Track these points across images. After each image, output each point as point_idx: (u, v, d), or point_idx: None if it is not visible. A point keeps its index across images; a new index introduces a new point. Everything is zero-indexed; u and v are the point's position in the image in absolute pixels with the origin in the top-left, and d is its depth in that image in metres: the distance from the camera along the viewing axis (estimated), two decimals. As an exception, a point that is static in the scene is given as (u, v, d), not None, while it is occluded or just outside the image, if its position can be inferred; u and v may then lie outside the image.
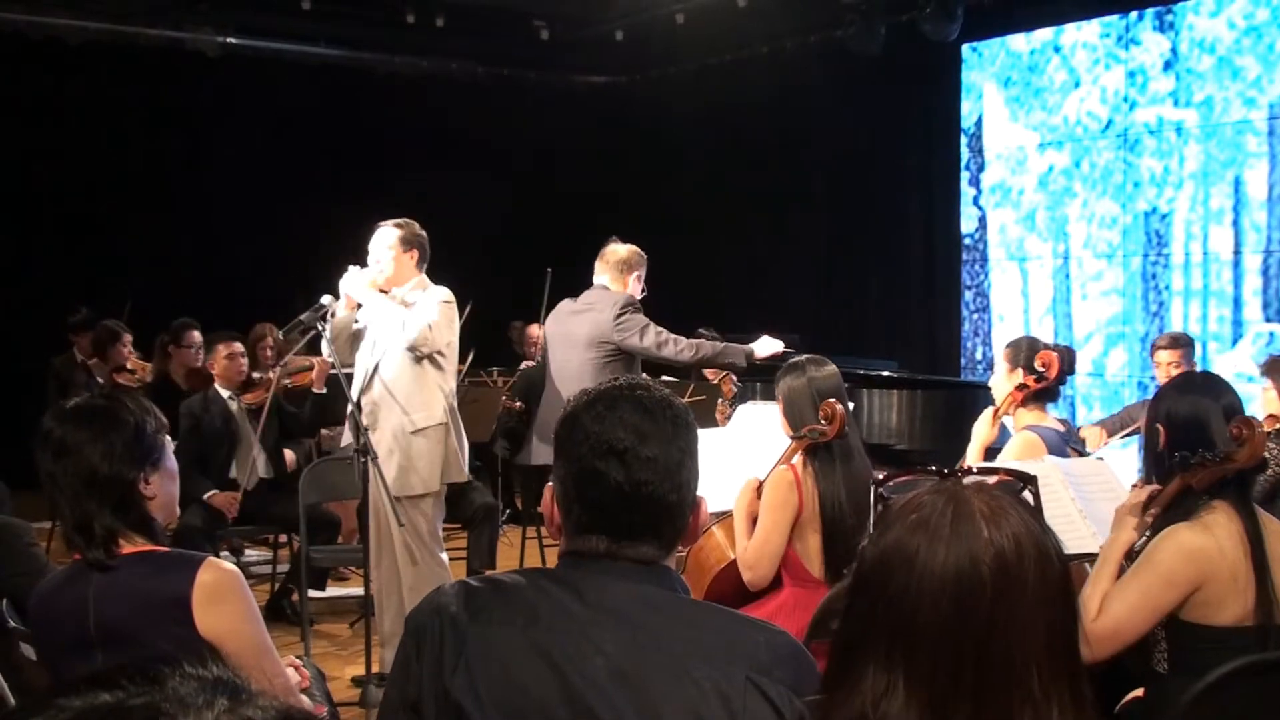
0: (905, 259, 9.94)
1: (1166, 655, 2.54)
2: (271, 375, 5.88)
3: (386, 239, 4.60)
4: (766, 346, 5.10)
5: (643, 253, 5.09)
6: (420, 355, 4.53)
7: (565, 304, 5.08)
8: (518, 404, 6.97)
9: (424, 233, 4.69)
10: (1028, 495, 1.48)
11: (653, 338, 4.83)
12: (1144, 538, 2.61)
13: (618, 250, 5.03)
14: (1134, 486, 2.94)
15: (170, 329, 7.01)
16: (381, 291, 4.59)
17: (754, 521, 3.44)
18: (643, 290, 5.05)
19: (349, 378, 4.70)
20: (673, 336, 4.89)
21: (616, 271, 4.98)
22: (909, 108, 9.74)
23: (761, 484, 3.47)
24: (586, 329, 4.87)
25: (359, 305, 4.61)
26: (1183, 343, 5.44)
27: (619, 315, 4.81)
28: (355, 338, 4.70)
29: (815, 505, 3.36)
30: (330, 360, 5.60)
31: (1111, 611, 2.47)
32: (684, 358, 4.93)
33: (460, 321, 4.89)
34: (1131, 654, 2.59)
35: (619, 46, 10.27)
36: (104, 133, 9.48)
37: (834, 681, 1.30)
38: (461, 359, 6.99)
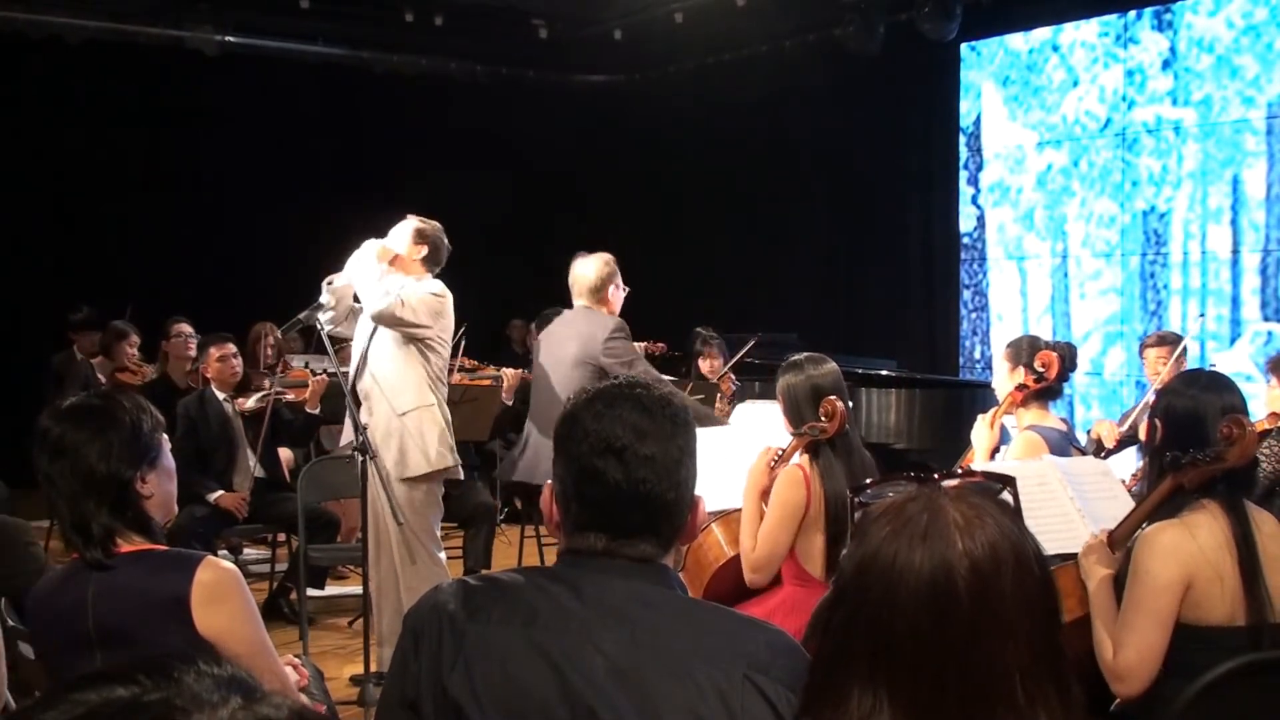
0: (904, 258, 9.94)
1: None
2: (267, 382, 5.89)
3: (405, 226, 4.72)
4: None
5: (610, 257, 4.94)
6: (405, 336, 4.53)
7: (556, 323, 5.00)
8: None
9: (444, 238, 4.74)
10: (1006, 497, 1.46)
11: (639, 371, 4.69)
12: (1130, 541, 2.61)
13: (586, 276, 4.87)
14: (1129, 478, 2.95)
15: (163, 329, 7.07)
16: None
17: (764, 497, 3.43)
18: (622, 289, 4.96)
19: (349, 376, 4.72)
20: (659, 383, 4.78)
21: (591, 295, 4.87)
22: (908, 107, 9.74)
23: (777, 457, 3.46)
24: (574, 350, 4.79)
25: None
26: (1169, 340, 5.43)
27: (609, 341, 4.73)
28: (356, 311, 4.72)
29: (821, 504, 3.37)
30: (328, 376, 5.61)
31: (1128, 642, 2.46)
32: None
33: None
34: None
35: (618, 46, 10.27)
36: (104, 131, 9.48)
37: (818, 699, 1.29)
38: (456, 350, 6.98)
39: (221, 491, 5.55)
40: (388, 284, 4.52)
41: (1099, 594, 2.58)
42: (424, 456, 4.59)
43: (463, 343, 6.66)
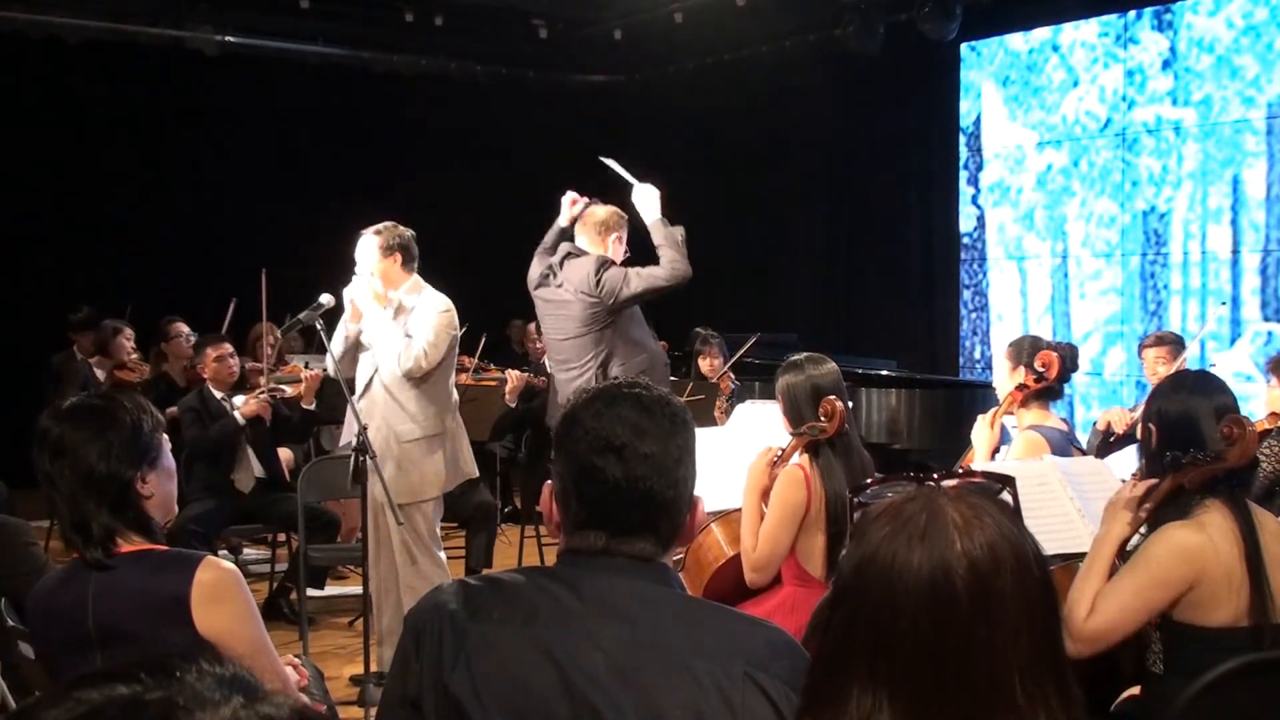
0: (904, 258, 9.94)
1: (1162, 656, 2.54)
2: (262, 379, 5.90)
3: (368, 250, 4.59)
4: (646, 200, 4.91)
5: (623, 214, 4.96)
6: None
7: (546, 300, 4.94)
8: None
9: (406, 232, 4.66)
10: (1006, 497, 1.46)
11: (635, 281, 4.71)
12: (1137, 536, 2.61)
13: (596, 212, 4.93)
14: (1130, 479, 2.94)
15: (159, 330, 7.10)
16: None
17: (764, 497, 3.43)
18: (626, 252, 4.93)
19: (350, 376, 4.71)
20: (648, 270, 4.75)
21: (595, 233, 4.87)
22: (908, 107, 9.75)
23: (776, 457, 3.46)
24: (570, 296, 4.78)
25: (362, 316, 4.61)
26: (1168, 340, 5.44)
27: (597, 280, 4.71)
28: (356, 350, 4.69)
29: (821, 504, 3.37)
30: (323, 371, 5.62)
31: (1104, 611, 2.47)
32: (675, 272, 4.74)
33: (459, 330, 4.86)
34: (1126, 653, 2.60)
35: (618, 46, 10.28)
36: (103, 132, 9.48)
37: (818, 700, 1.28)
38: (471, 351, 6.98)
39: (242, 402, 5.59)
40: (397, 325, 4.50)
41: (1102, 550, 2.57)
42: (420, 486, 4.58)
43: (481, 342, 6.63)
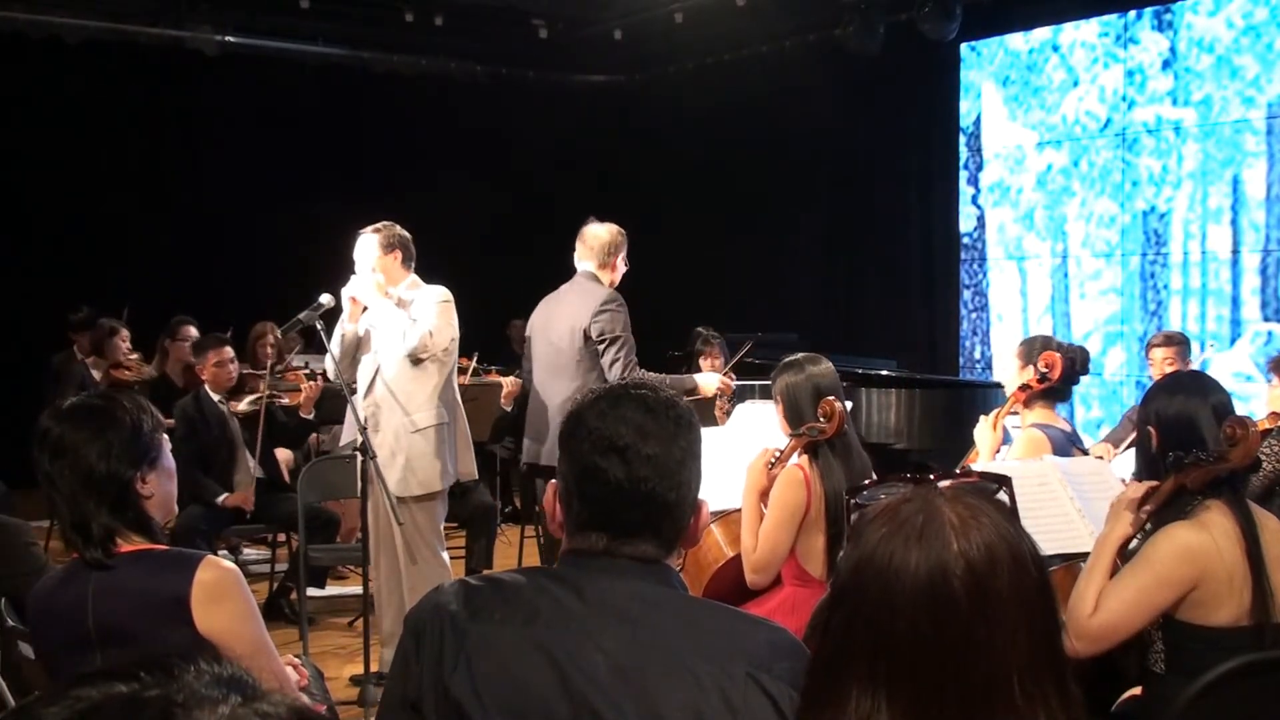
0: (904, 258, 9.94)
1: (1163, 655, 2.54)
2: (261, 385, 5.90)
3: (369, 247, 4.62)
4: (709, 381, 5.15)
5: (622, 229, 4.94)
6: (420, 359, 4.54)
7: (549, 305, 4.95)
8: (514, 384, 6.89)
9: (405, 233, 4.70)
10: (1003, 497, 1.45)
11: (608, 359, 4.71)
12: (1139, 536, 2.61)
13: (599, 234, 4.88)
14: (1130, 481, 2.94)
15: (168, 327, 7.11)
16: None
17: (763, 498, 3.43)
18: (625, 264, 4.94)
19: (351, 379, 4.72)
20: (625, 365, 4.72)
21: (599, 254, 4.85)
22: (908, 107, 9.74)
23: (775, 457, 3.46)
24: (568, 324, 4.78)
25: (364, 309, 4.61)
26: (1176, 341, 5.45)
27: (600, 312, 4.71)
28: (359, 347, 4.69)
29: (821, 505, 3.37)
30: (323, 380, 5.63)
31: (1108, 609, 2.47)
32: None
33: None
34: (1127, 654, 2.60)
35: (618, 46, 10.28)
36: (103, 132, 9.48)
37: (817, 700, 1.28)
38: (467, 356, 6.99)
39: (226, 494, 5.55)
40: (403, 314, 4.51)
41: (1104, 549, 2.57)
42: (429, 478, 4.59)
43: (474, 358, 6.59)
